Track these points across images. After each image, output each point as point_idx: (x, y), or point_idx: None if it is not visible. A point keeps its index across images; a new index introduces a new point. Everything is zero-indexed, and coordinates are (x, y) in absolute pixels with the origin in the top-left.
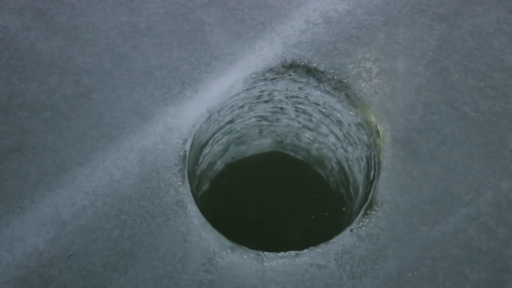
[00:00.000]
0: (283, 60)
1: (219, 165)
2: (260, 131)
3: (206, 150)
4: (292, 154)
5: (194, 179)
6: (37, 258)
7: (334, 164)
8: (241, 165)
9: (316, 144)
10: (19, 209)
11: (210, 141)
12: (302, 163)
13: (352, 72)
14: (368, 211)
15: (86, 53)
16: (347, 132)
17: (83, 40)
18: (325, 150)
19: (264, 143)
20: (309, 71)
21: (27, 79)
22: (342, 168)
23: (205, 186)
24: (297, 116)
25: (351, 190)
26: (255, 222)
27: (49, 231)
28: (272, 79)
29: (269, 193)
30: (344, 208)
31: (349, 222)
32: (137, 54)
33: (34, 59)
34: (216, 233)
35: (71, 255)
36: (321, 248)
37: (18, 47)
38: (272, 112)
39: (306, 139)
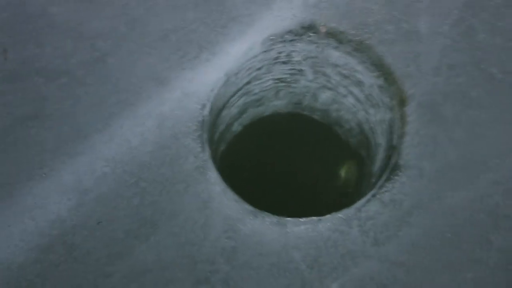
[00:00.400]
0: (302, 21)
1: (236, 127)
2: (277, 92)
3: (224, 112)
4: (310, 114)
5: (212, 143)
6: (60, 225)
7: (354, 125)
8: (259, 127)
9: (335, 105)
10: (39, 177)
11: (228, 104)
12: (320, 123)
13: (373, 33)
14: (391, 176)
15: (99, 17)
16: (369, 94)
17: (96, 3)
18: (344, 111)
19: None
20: (329, 31)
21: (41, 44)
22: (362, 130)
23: (222, 148)
24: (316, 78)
25: (372, 152)
26: (273, 183)
27: (71, 198)
28: (290, 41)
29: (287, 154)
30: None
31: (369, 185)
32: (152, 17)
33: (48, 23)
34: (237, 199)
35: (101, 222)
36: (343, 214)
37: (31, 12)
38: (290, 73)
39: (325, 98)
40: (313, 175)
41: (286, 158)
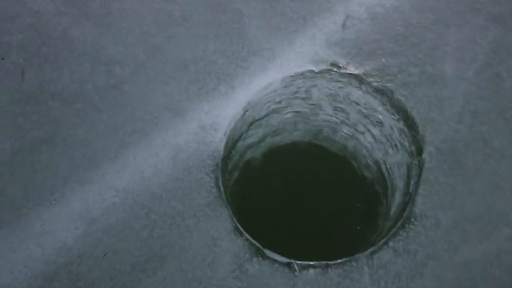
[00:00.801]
0: (324, 59)
1: (252, 155)
2: (295, 124)
3: (239, 143)
4: (327, 146)
5: (225, 174)
6: (66, 254)
7: (371, 162)
8: (275, 155)
9: (353, 141)
10: (48, 203)
11: (244, 135)
12: (337, 155)
13: (397, 75)
14: (406, 224)
15: (119, 42)
16: (389, 135)
17: (116, 28)
18: (362, 147)
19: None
20: (350, 72)
21: (59, 67)
22: (380, 169)
23: (236, 175)
24: (336, 114)
25: (389, 193)
26: (286, 214)
27: (79, 227)
28: (311, 78)
29: (301, 183)
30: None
31: (385, 227)
32: (172, 46)
33: (66, 46)
34: (247, 237)
35: (106, 254)
36: (355, 259)
37: (50, 33)
38: (310, 108)
39: (343, 134)
40: (328, 207)
41: (301, 188)
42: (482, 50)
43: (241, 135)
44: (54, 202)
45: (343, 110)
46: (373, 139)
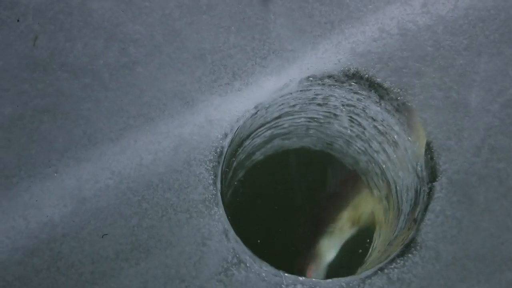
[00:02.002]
0: (346, 68)
1: (258, 156)
2: (307, 129)
3: (246, 142)
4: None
5: (228, 170)
6: (50, 231)
7: (381, 182)
8: (282, 158)
9: (366, 157)
10: (40, 176)
11: (252, 135)
12: (347, 168)
13: (419, 96)
14: (405, 252)
15: (137, 21)
16: (402, 156)
17: (138, 6)
18: (374, 164)
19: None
20: (372, 85)
21: (72, 37)
22: (389, 189)
23: (241, 175)
24: (351, 126)
25: (393, 216)
26: (284, 220)
27: (67, 205)
28: (330, 85)
29: (306, 191)
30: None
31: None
32: (192, 33)
33: (83, 17)
34: (238, 240)
35: (106, 234)
36: (346, 281)
37: (69, 2)
38: (324, 116)
39: (356, 148)
40: (330, 220)
41: (304, 195)
42: (511, 84)
43: (250, 134)
44: (46, 175)
45: (359, 124)
46: (386, 158)
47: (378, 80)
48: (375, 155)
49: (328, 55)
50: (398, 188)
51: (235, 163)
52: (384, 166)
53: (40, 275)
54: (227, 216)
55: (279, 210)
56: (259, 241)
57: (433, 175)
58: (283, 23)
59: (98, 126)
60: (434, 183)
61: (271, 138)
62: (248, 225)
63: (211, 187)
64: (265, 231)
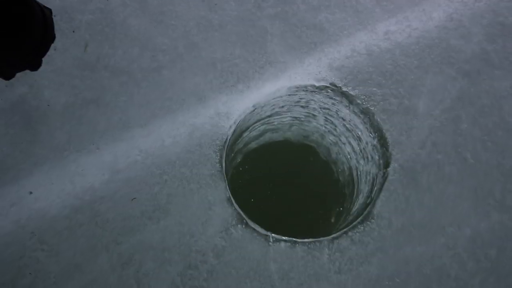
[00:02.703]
0: (324, 78)
1: (254, 145)
2: (291, 127)
3: (245, 134)
4: (315, 147)
5: (230, 153)
6: (92, 194)
7: (346, 169)
8: (272, 147)
9: (336, 148)
10: (86, 151)
11: (250, 128)
12: (321, 158)
13: (380, 102)
14: (365, 220)
15: (165, 36)
16: (363, 148)
17: (166, 24)
18: (341, 155)
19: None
20: (344, 92)
21: (115, 46)
22: (351, 174)
23: (239, 159)
24: (326, 124)
25: (354, 194)
26: (273, 195)
27: (105, 174)
28: (311, 91)
29: (289, 172)
30: (341, 209)
31: (346, 220)
32: (206, 45)
33: (123, 31)
34: (237, 207)
35: (135, 198)
36: (319, 242)
37: (113, 19)
38: (305, 115)
39: (329, 141)
40: (305, 196)
41: (288, 175)
42: (449, 95)
43: (248, 127)
44: (90, 151)
45: (332, 123)
46: (351, 149)
47: (349, 88)
48: (343, 146)
49: (312, 68)
50: (359, 173)
51: (236, 149)
52: (349, 156)
53: (82, 228)
54: (229, 188)
55: (269, 185)
56: (252, 200)
57: (388, 162)
58: (277, 42)
59: (131, 114)
60: (388, 169)
61: (263, 132)
62: (245, 196)
63: (217, 165)
64: (258, 201)
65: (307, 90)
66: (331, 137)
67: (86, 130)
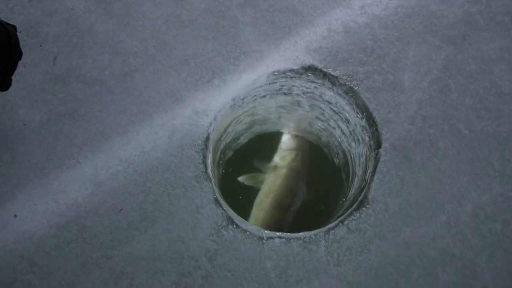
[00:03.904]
0: (303, 62)
1: (242, 140)
2: (279, 117)
3: (229, 129)
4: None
5: (216, 151)
6: (76, 209)
7: (339, 151)
8: (262, 140)
9: (326, 133)
10: (65, 166)
11: (234, 122)
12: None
13: (363, 81)
14: (360, 206)
15: (134, 38)
16: (353, 130)
17: (133, 25)
18: (333, 139)
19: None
20: (325, 74)
21: (84, 55)
22: (345, 157)
23: (229, 154)
24: (312, 110)
25: (350, 178)
26: None
27: (88, 188)
28: (291, 78)
29: None
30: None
31: (342, 206)
32: (177, 43)
33: (91, 38)
34: (226, 207)
35: (122, 209)
36: (314, 234)
37: (79, 27)
38: (290, 103)
39: (318, 127)
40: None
41: None
42: (435, 66)
43: (231, 122)
44: (70, 166)
45: (318, 107)
46: (341, 132)
47: (329, 70)
48: (333, 131)
49: (288, 53)
50: (352, 156)
51: (222, 146)
52: (340, 139)
53: (71, 245)
54: (217, 188)
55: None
56: (240, 197)
57: (378, 143)
58: (250, 30)
59: (108, 123)
60: (379, 150)
61: (251, 125)
62: (236, 194)
63: (201, 166)
64: (251, 197)
65: (286, 77)
66: (320, 123)
67: (64, 145)
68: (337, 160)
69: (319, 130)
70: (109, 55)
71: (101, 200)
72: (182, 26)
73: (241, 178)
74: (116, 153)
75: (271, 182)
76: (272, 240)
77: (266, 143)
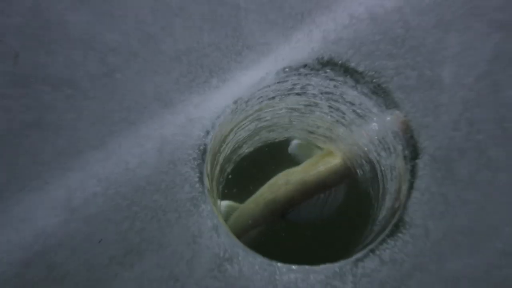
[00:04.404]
0: (320, 56)
1: (246, 149)
2: (290, 121)
3: (230, 137)
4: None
5: (214, 165)
6: (44, 241)
7: (365, 163)
8: (271, 150)
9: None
10: (30, 188)
11: (235, 129)
12: None
13: (393, 77)
14: (395, 232)
15: (113, 30)
16: (382, 137)
17: (112, 15)
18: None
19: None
20: (347, 70)
21: (52, 52)
22: (373, 170)
23: (229, 168)
24: (331, 112)
25: (380, 196)
26: None
27: (58, 215)
28: (306, 75)
29: None
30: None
31: (372, 231)
32: (166, 36)
33: (61, 31)
34: (229, 236)
35: (101, 240)
36: (338, 266)
37: (48, 18)
38: (304, 105)
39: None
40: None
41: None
42: (482, 57)
43: (232, 129)
44: (35, 188)
45: (338, 109)
46: (368, 141)
47: (352, 65)
48: (356, 138)
49: (301, 45)
50: (382, 168)
51: (221, 158)
52: (366, 148)
53: (38, 286)
54: (218, 212)
55: None
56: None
57: (415, 153)
58: (254, 18)
59: (82, 135)
60: (416, 161)
61: (257, 131)
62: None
63: (197, 185)
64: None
65: (300, 74)
66: (342, 129)
67: (28, 162)
68: (363, 176)
69: (341, 137)
70: (83, 52)
71: (75, 229)
72: (172, 15)
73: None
74: (93, 171)
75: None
76: (287, 275)
77: (273, 154)
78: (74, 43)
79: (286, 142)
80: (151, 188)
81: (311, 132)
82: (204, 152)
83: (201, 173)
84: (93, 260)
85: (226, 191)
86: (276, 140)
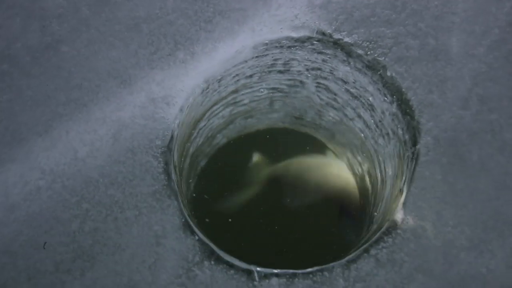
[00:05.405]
0: (305, 24)
1: (220, 139)
2: (272, 103)
3: (201, 124)
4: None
5: (183, 156)
6: None
7: (361, 153)
8: (247, 141)
9: (342, 127)
10: None
11: (207, 114)
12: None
13: (392, 48)
14: (393, 228)
15: None
16: (379, 121)
17: None
18: (352, 135)
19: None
20: (337, 41)
21: None
22: (371, 160)
23: (203, 163)
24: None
25: (378, 189)
26: (255, 211)
27: None
28: (289, 47)
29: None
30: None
31: (367, 231)
32: (123, 0)
33: None
34: (200, 235)
35: (46, 243)
36: (328, 270)
37: None
38: (288, 85)
39: (330, 118)
40: (307, 208)
41: (275, 186)
42: (496, 23)
43: (204, 113)
44: None
45: (328, 89)
46: (364, 125)
47: (343, 34)
48: (351, 123)
49: (283, 11)
50: (380, 158)
51: (192, 149)
52: (362, 135)
53: None
54: (186, 208)
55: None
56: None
57: (416, 136)
58: None
59: (22, 119)
60: (418, 146)
61: (232, 118)
62: (214, 218)
63: (162, 176)
64: (233, 222)
65: (282, 46)
66: (332, 113)
67: None
68: (359, 169)
69: (333, 123)
70: (21, 19)
71: (14, 231)
72: None
73: None
74: (36, 162)
75: None
76: (267, 280)
77: (253, 145)
78: (10, 9)
79: (268, 131)
80: (105, 181)
81: (297, 118)
82: (170, 139)
83: (166, 163)
84: (36, 267)
85: (198, 182)
86: (257, 128)
